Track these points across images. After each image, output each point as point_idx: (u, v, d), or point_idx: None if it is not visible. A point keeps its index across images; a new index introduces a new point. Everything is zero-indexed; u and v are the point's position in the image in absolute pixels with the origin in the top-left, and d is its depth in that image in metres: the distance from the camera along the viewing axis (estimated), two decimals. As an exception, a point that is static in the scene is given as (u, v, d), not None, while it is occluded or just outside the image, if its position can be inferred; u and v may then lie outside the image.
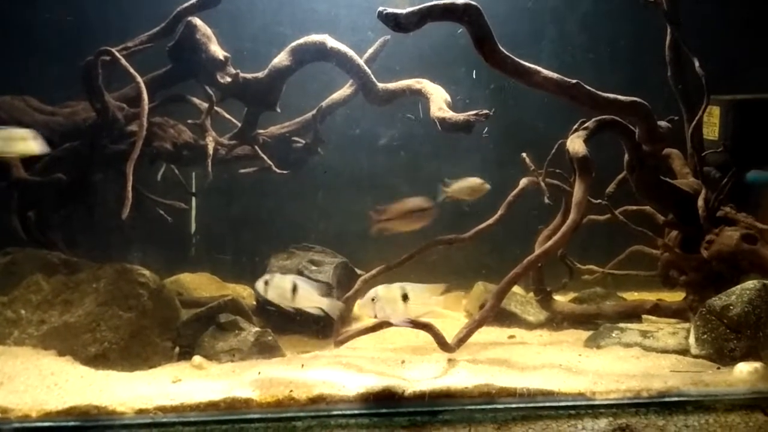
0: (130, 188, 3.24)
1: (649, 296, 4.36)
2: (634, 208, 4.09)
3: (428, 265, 4.44)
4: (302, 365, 3.29)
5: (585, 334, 3.96)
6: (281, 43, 3.93)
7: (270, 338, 3.66)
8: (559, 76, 3.20)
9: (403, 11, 2.98)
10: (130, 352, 3.58)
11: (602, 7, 4.53)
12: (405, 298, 2.97)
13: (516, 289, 4.63)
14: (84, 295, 3.71)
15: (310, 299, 3.18)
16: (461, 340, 3.53)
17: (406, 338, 3.78)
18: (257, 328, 3.71)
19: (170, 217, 4.30)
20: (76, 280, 3.79)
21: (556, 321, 4.17)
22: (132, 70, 3.47)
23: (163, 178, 4.48)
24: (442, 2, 2.99)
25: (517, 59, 3.13)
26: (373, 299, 2.98)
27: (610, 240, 4.44)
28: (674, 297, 4.19)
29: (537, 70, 3.19)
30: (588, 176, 3.50)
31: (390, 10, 2.98)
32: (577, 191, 3.48)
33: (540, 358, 3.55)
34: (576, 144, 3.54)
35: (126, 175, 3.27)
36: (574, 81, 3.20)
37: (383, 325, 3.47)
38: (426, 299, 3.04)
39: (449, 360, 3.45)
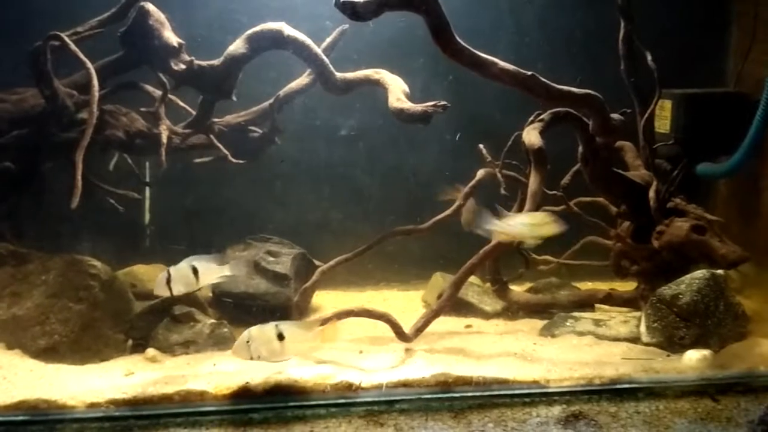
0: (79, 177, 3.16)
1: (602, 286, 4.44)
2: (588, 199, 4.16)
3: (386, 256, 4.48)
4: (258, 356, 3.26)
5: (540, 324, 4.02)
6: (237, 30, 3.87)
7: (225, 330, 3.63)
8: (515, 67, 3.23)
9: (361, 0, 2.96)
10: (81, 345, 3.50)
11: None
12: (281, 337, 2.93)
13: (473, 279, 4.66)
14: (33, 287, 3.62)
15: (214, 273, 3.15)
16: (418, 330, 3.56)
17: (363, 328, 3.77)
18: (212, 320, 3.68)
19: (122, 208, 4.20)
20: (25, 271, 3.69)
21: (512, 310, 4.22)
22: (82, 56, 3.38)
23: (116, 168, 4.38)
24: (398, -8, 2.98)
25: (473, 50, 3.15)
26: (247, 342, 2.91)
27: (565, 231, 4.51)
28: (626, 286, 4.28)
29: (493, 62, 3.20)
30: (543, 167, 3.54)
31: (345, -1, 2.96)
32: (533, 182, 3.52)
33: (496, 347, 3.60)
34: (532, 136, 3.57)
35: (75, 163, 3.18)
36: (530, 73, 3.23)
37: (341, 315, 3.47)
38: (302, 336, 2.97)
39: (406, 350, 3.47)
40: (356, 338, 3.74)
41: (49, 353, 3.43)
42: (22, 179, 3.95)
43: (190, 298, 3.80)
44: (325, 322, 3.45)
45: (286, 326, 2.95)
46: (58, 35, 3.40)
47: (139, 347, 3.65)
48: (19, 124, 3.89)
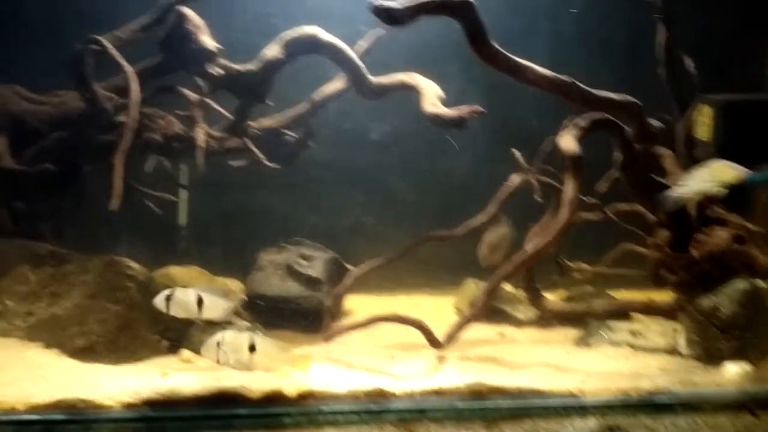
0: (119, 179, 3.20)
1: (639, 295, 4.36)
2: (625, 206, 4.09)
3: (418, 261, 4.46)
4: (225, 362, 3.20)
5: (575, 333, 3.97)
6: (272, 34, 3.90)
7: (259, 333, 3.62)
8: (553, 73, 3.20)
9: (397, 5, 2.96)
10: (117, 345, 3.53)
11: (596, 5, 4.52)
12: (252, 348, 2.90)
13: (506, 285, 4.62)
14: (72, 287, 3.67)
15: (218, 307, 3.11)
16: (451, 337, 3.53)
17: (396, 335, 3.75)
18: (247, 324, 3.69)
19: (159, 210, 4.25)
20: (64, 271, 3.75)
21: (546, 319, 4.17)
22: (122, 60, 3.44)
23: (154, 170, 4.44)
24: (437, -3, 2.97)
25: (510, 55, 3.13)
26: (218, 343, 2.86)
27: (600, 237, 4.45)
28: (664, 296, 4.19)
29: (530, 67, 3.18)
30: (579, 174, 3.49)
31: (383, 3, 2.96)
32: (568, 189, 3.48)
33: (530, 356, 3.56)
34: (568, 142, 3.52)
35: (115, 166, 3.23)
36: (568, 79, 3.20)
37: (374, 321, 3.47)
38: (273, 354, 2.92)
39: (439, 357, 3.44)
40: (389, 344, 3.73)
41: (86, 353, 3.46)
42: (62, 181, 4.03)
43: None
44: (357, 327, 3.46)
45: (260, 339, 2.91)
46: (97, 39, 3.45)
47: (174, 348, 3.68)
48: (60, 127, 3.97)
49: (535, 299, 4.18)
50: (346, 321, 3.87)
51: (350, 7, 4.27)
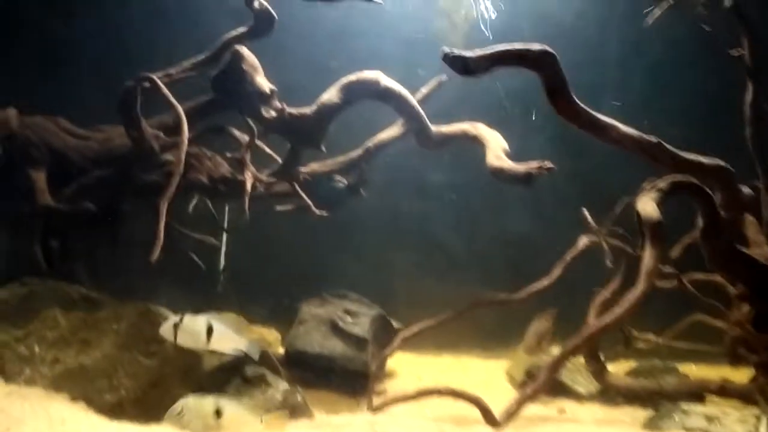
0: (161, 227, 2.97)
1: (709, 371, 4.00)
2: (703, 276, 3.75)
3: (466, 318, 4.15)
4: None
5: (643, 413, 3.61)
6: (326, 75, 3.70)
7: (299, 398, 3.35)
8: (638, 132, 2.92)
9: (472, 54, 2.72)
10: (146, 403, 3.28)
11: (675, 56, 4.23)
12: (218, 413, 2.62)
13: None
14: (103, 335, 3.44)
15: (228, 340, 2.84)
16: (510, 415, 3.20)
17: (446, 408, 3.44)
18: (285, 385, 3.40)
19: (199, 259, 4.04)
20: (96, 318, 3.52)
21: (611, 395, 3.80)
22: (173, 100, 3.24)
23: (194, 210, 4.25)
24: (516, 47, 2.72)
25: (592, 112, 2.85)
26: (180, 411, 2.61)
27: (668, 305, 4.10)
28: (738, 375, 3.82)
29: (614, 126, 2.90)
30: (660, 243, 3.17)
31: (457, 52, 2.72)
32: (648, 259, 3.15)
33: (594, 440, 3.22)
34: (648, 206, 3.21)
35: (159, 211, 3.01)
36: (654, 139, 2.91)
37: (426, 394, 3.16)
38: (242, 419, 2.66)
39: (496, 437, 3.12)
40: (439, 418, 3.41)
41: (114, 409, 3.22)
42: (101, 220, 3.84)
43: (263, 357, 3.55)
44: (406, 399, 3.16)
45: (227, 404, 2.64)
46: (150, 77, 3.26)
47: (207, 408, 3.41)
48: (103, 164, 3.79)
49: (599, 372, 3.83)
50: (394, 392, 3.49)
51: (407, 51, 4.10)
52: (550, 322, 3.61)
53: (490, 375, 4.29)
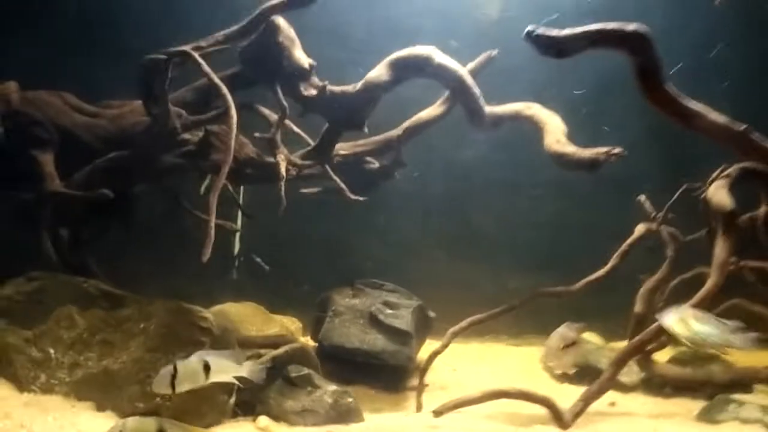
0: (212, 225, 2.64)
1: (751, 359, 3.92)
2: (757, 264, 3.63)
3: (494, 305, 3.97)
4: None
5: (693, 404, 3.52)
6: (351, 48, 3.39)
7: (351, 401, 3.12)
8: (728, 119, 2.72)
9: (560, 33, 2.47)
10: (184, 410, 2.99)
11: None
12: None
13: (596, 339, 4.18)
14: (129, 337, 3.12)
15: (228, 370, 2.63)
16: (577, 414, 3.06)
17: (498, 406, 3.25)
18: (334, 387, 3.16)
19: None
20: (119, 317, 3.19)
21: (655, 385, 3.70)
22: (216, 78, 2.87)
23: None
24: (612, 27, 2.48)
25: (682, 99, 2.64)
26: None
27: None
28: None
29: (703, 113, 2.69)
30: (733, 233, 3.04)
31: (543, 30, 2.47)
32: (720, 251, 3.02)
33: (659, 436, 3.11)
34: (721, 195, 3.07)
35: (210, 208, 2.68)
36: (743, 126, 2.72)
37: (493, 396, 2.98)
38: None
39: (566, 439, 2.97)
40: (489, 414, 3.24)
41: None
42: (114, 206, 3.47)
43: (305, 356, 3.30)
44: (472, 402, 2.97)
45: (169, 426, 2.45)
46: (188, 52, 2.88)
47: (245, 411, 3.16)
48: (116, 144, 3.41)
49: (644, 361, 3.72)
50: (459, 396, 3.20)
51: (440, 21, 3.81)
52: (576, 334, 3.44)
53: (524, 363, 4.15)
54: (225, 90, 2.82)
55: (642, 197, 3.45)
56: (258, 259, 4.01)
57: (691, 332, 2.56)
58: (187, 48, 2.91)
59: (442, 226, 4.29)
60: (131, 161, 3.36)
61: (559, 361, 3.56)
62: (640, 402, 3.61)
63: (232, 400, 3.20)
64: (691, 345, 2.63)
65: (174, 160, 3.47)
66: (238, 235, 4.23)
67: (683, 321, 2.59)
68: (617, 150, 3.04)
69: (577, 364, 3.58)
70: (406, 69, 3.20)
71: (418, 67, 3.20)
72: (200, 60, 2.83)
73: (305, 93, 3.22)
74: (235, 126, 2.78)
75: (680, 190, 3.39)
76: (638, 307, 3.66)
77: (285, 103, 3.35)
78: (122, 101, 3.55)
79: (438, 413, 2.97)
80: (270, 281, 4.29)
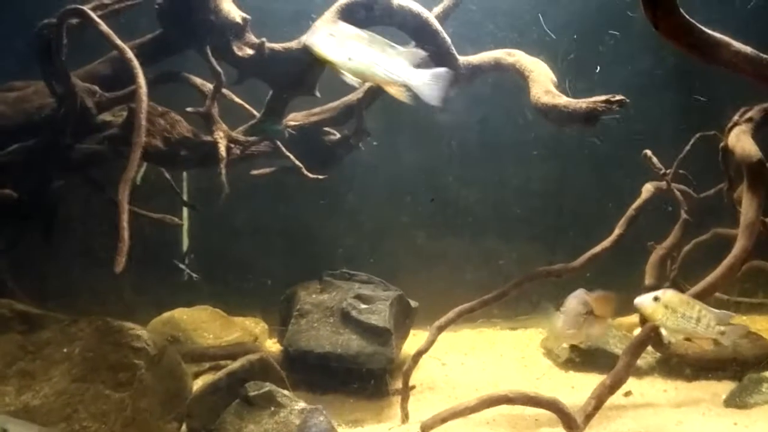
0: (124, 223, 2.10)
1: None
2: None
3: (482, 287, 3.48)
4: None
5: (720, 387, 3.08)
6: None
7: (322, 419, 2.60)
8: (754, 51, 2.21)
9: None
10: (129, 443, 2.49)
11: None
12: None
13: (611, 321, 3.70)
14: (50, 364, 2.64)
15: None
16: (589, 416, 2.58)
17: (510, 409, 2.77)
18: (302, 404, 2.64)
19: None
20: (38, 341, 2.69)
21: (675, 366, 3.24)
22: (117, 40, 2.29)
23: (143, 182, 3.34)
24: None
25: (703, 29, 2.12)
26: None
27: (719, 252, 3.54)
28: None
29: (727, 43, 2.18)
30: (762, 187, 2.54)
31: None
32: (749, 207, 2.54)
33: (686, 430, 2.65)
34: (745, 143, 2.59)
35: (120, 202, 2.13)
36: (773, 58, 2.22)
37: (490, 403, 2.49)
38: None
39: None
40: (487, 418, 2.75)
41: (78, 462, 2.43)
42: (27, 207, 2.91)
43: (265, 369, 2.79)
44: (465, 412, 2.48)
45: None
46: (80, 9, 2.30)
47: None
48: (21, 133, 2.83)
49: (659, 341, 3.24)
50: (451, 407, 2.68)
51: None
52: (584, 302, 2.91)
53: (522, 348, 3.69)
54: (130, 54, 2.24)
55: (647, 152, 2.93)
56: (182, 266, 3.46)
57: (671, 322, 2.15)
58: (85, 7, 2.33)
59: (418, 200, 3.76)
60: (39, 152, 2.79)
61: (579, 331, 3.02)
62: (659, 388, 3.15)
63: (183, 428, 2.71)
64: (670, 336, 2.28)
65: (93, 147, 2.90)
66: (185, 229, 3.67)
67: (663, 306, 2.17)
68: (618, 97, 2.53)
69: (599, 336, 3.09)
70: (359, 14, 2.63)
71: (374, 11, 2.63)
72: (95, 18, 2.25)
73: (239, 53, 2.66)
74: (145, 98, 2.21)
75: (693, 139, 2.89)
76: (649, 279, 3.20)
77: (219, 68, 2.79)
78: (26, 82, 2.96)
79: (427, 427, 2.48)
80: (228, 279, 3.76)
